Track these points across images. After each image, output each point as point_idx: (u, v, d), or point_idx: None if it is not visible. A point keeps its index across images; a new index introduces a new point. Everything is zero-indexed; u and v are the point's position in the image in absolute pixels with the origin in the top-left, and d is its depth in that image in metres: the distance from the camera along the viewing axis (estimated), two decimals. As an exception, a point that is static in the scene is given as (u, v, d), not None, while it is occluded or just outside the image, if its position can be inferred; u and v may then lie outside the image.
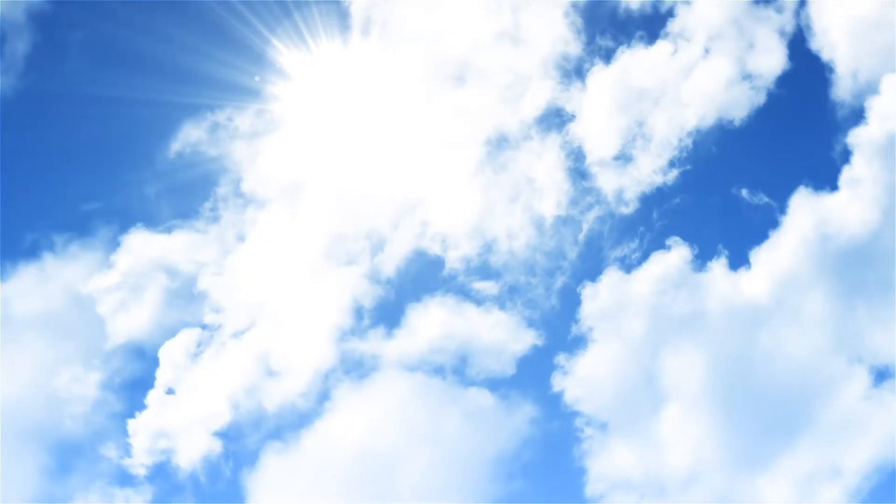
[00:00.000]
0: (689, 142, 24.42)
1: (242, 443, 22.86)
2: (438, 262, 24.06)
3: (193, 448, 22.44)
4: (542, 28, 24.43)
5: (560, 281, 23.81)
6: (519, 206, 24.34)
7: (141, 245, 23.93)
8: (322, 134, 24.59)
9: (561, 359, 23.42)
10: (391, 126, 24.66)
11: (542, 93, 24.02)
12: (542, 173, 24.10)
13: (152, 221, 23.82)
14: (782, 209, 24.01)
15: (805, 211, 24.01)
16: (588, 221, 23.88)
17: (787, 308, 23.66)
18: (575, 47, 24.17)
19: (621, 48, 24.37)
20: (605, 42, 23.98)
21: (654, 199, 24.33)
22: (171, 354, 22.88)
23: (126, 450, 21.83)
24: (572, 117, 24.28)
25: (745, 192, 24.36)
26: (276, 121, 24.37)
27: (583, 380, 23.49)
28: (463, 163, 24.79)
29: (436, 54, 24.44)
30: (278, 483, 22.58)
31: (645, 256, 23.98)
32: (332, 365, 23.44)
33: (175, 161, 23.98)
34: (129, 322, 23.65)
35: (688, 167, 24.39)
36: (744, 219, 24.34)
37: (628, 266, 23.87)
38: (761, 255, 24.09)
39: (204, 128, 23.98)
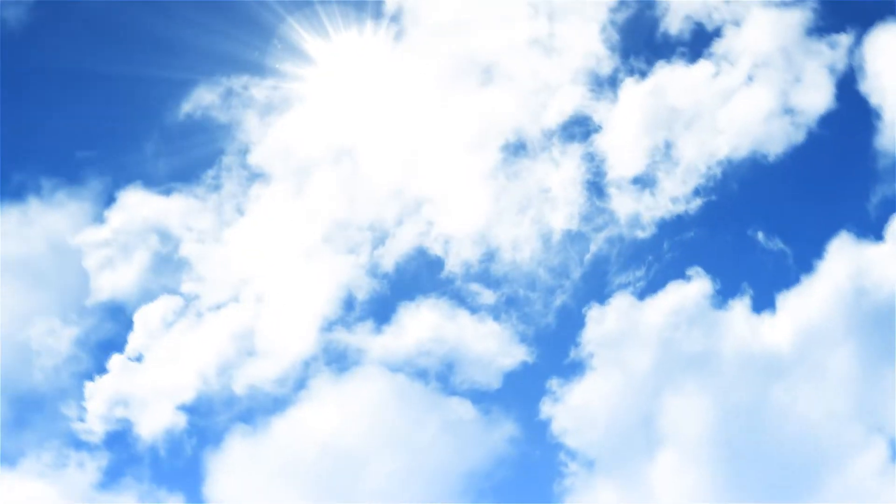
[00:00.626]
0: (717, 171, 22.29)
1: (208, 421, 21.21)
2: (438, 264, 22.52)
3: (156, 420, 20.80)
4: (578, 36, 22.67)
5: (560, 299, 21.82)
6: (529, 217, 22.56)
7: (137, 203, 22.67)
8: (337, 120, 23.14)
9: (553, 383, 21.21)
10: (407, 120, 23.20)
11: (570, 99, 22.34)
12: (558, 184, 22.29)
13: (151, 181, 22.58)
14: (819, 254, 21.65)
15: (844, 259, 21.63)
16: (599, 241, 21.88)
17: (810, 362, 21.21)
18: (611, 56, 22.38)
19: (660, 63, 22.51)
20: (643, 54, 22.21)
21: (673, 227, 22.26)
22: (147, 319, 21.36)
23: (81, 413, 20.24)
24: (598, 128, 22.41)
25: (777, 231, 22.19)
26: (293, 99, 23.14)
27: (574, 409, 21.37)
28: (477, 165, 23.17)
29: (462, 53, 22.93)
30: (240, 467, 20.79)
31: (661, 284, 21.80)
32: (313, 353, 21.88)
33: (183, 122, 22.76)
34: (115, 281, 22.29)
35: (713, 198, 22.21)
36: (774, 259, 22.04)
37: (641, 292, 21.54)
38: (789, 301, 21.70)
39: (217, 93, 22.72)
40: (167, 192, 22.76)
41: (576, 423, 21.17)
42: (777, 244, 21.90)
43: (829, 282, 21.52)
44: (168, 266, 22.48)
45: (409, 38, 23.50)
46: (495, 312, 22.44)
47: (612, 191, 22.24)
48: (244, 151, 23.09)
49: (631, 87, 22.52)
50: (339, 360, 22.17)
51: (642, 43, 22.30)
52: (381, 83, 23.55)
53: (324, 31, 22.70)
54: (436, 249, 22.81)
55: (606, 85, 22.44)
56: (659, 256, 21.74)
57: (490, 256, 22.78)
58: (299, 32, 22.47)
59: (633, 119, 22.19)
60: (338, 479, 21.00)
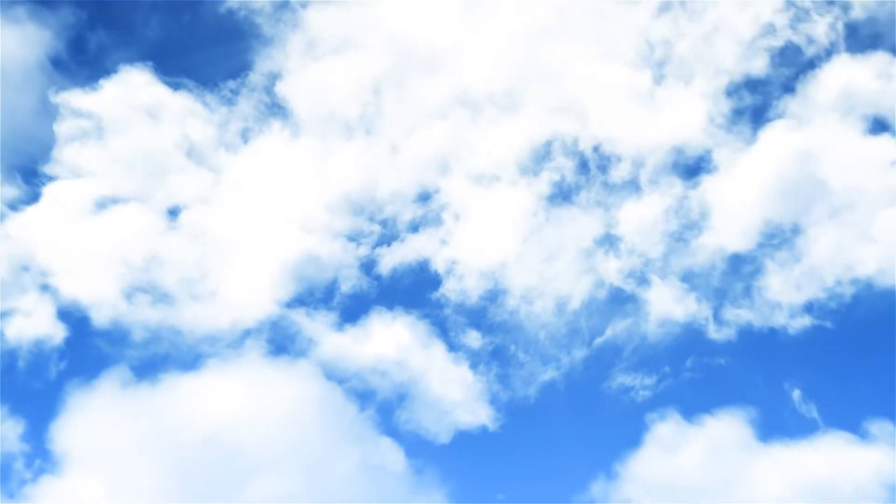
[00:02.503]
0: (848, 290, 13.54)
1: (92, 347, 14.03)
2: (434, 282, 15.64)
3: (30, 321, 13.65)
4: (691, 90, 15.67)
5: (550, 374, 14.50)
6: (559, 267, 15.47)
7: (138, 85, 16.14)
8: (390, 87, 16.62)
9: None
10: (465, 120, 16.67)
11: (690, 119, 14.78)
12: (631, 225, 14.70)
13: (163, 68, 16.06)
14: None
15: None
16: (640, 325, 14.31)
17: None
18: (759, 84, 14.76)
19: (829, 115, 14.42)
20: (806, 96, 14.39)
21: (762, 342, 13.59)
22: (64, 198, 14.50)
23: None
24: (713, 169, 14.74)
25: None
26: (352, 42, 16.64)
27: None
28: (522, 193, 16.49)
29: (544, 69, 16.38)
30: (106, 419, 13.53)
31: (789, 430, 12.35)
32: (260, 322, 14.92)
33: (222, 17, 16.42)
34: (80, 159, 15.58)
35: (828, 324, 13.45)
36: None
37: (765, 431, 12.49)
38: None
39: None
40: (175, 87, 16.33)
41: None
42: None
43: None
44: (147, 164, 15.77)
45: (499, 32, 16.91)
46: (475, 359, 15.54)
47: (693, 259, 14.55)
48: (275, 76, 16.63)
49: (776, 132, 14.88)
50: (282, 342, 15.36)
51: (808, 83, 14.89)
52: (453, 67, 16.98)
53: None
54: (438, 267, 15.99)
55: (747, 117, 15.00)
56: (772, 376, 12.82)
57: (493, 297, 16.00)
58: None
59: (762, 174, 14.40)
60: (219, 475, 13.77)
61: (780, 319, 13.38)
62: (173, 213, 15.96)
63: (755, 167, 14.13)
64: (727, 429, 11.98)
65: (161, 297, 15.17)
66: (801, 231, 14.04)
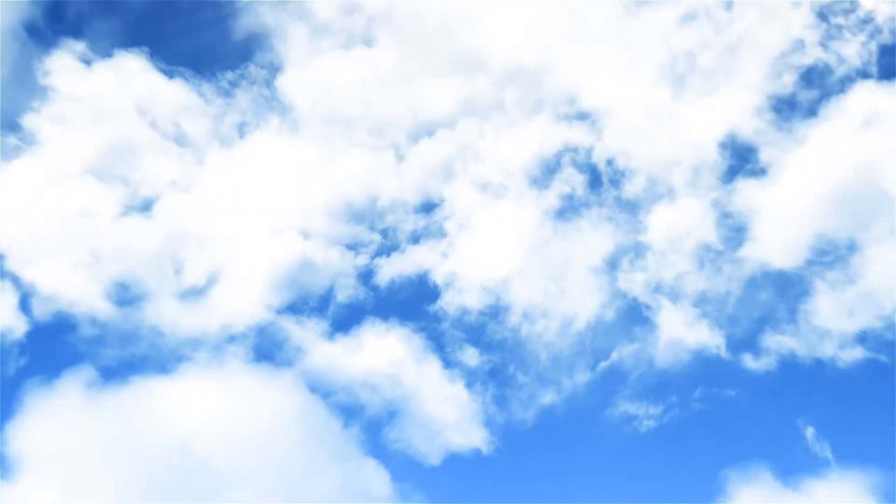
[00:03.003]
0: None
1: (55, 343, 12.57)
2: (433, 294, 14.57)
3: None
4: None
5: (550, 398, 12.97)
6: (567, 284, 14.03)
7: (134, 71, 14.87)
8: (397, 93, 15.43)
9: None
10: (475, 128, 15.42)
11: (724, 114, 13.21)
12: (658, 233, 13.07)
13: (160, 54, 14.84)
14: None
15: None
16: (659, 348, 12.67)
17: None
18: (801, 76, 13.13)
19: (891, 121, 12.67)
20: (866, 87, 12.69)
21: (813, 374, 11.38)
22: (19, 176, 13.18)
23: None
24: (761, 172, 12.84)
25: None
26: (360, 38, 15.42)
27: None
28: (531, 205, 15.11)
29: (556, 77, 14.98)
30: (67, 422, 12.01)
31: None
32: (248, 328, 13.59)
33: (222, 3, 15.07)
34: (59, 140, 14.34)
35: (883, 357, 11.23)
36: None
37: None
38: None
39: (278, -8, 15.06)
40: (170, 75, 15.12)
41: None
42: None
43: None
44: (126, 153, 14.47)
45: (514, 36, 15.74)
46: (471, 377, 14.12)
47: (723, 277, 12.78)
48: (277, 69, 15.35)
49: (831, 121, 13.16)
50: (268, 349, 13.96)
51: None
52: (463, 70, 15.78)
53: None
54: (437, 279, 14.71)
55: (798, 111, 13.31)
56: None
57: (494, 313, 14.65)
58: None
59: (815, 176, 12.57)
60: (186, 489, 12.47)
61: (827, 350, 11.47)
62: (156, 204, 14.65)
63: (801, 179, 12.46)
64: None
65: (138, 292, 13.77)
66: (858, 248, 12.17)
